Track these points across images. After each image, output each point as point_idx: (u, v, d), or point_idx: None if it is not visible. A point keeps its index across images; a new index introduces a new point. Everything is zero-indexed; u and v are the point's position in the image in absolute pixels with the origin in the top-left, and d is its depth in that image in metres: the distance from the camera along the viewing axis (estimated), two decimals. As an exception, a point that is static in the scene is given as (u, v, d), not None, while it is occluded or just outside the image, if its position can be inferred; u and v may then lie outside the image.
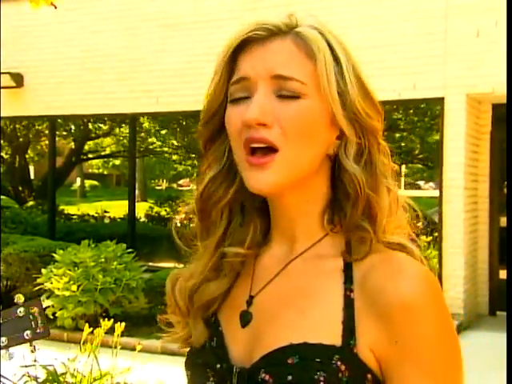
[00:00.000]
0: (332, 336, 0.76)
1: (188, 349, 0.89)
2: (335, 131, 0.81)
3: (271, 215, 0.86)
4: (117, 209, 9.89)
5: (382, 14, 6.89)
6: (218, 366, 0.82)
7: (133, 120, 8.53)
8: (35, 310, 0.96)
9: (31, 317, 0.96)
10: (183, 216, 0.90)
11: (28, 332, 0.96)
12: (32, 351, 0.97)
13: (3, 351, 0.96)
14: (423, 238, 7.70)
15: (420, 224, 0.87)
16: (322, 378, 0.73)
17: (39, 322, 0.96)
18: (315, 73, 0.79)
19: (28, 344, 1.01)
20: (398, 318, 0.74)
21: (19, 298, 0.97)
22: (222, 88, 0.82)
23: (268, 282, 0.84)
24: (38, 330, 0.96)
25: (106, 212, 10.32)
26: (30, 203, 10.54)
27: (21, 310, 0.96)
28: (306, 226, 0.84)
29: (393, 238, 0.81)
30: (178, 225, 0.90)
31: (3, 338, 0.95)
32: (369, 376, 0.76)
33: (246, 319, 0.83)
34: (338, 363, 0.74)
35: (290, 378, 0.74)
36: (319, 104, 0.79)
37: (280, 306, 0.81)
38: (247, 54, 0.80)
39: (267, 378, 0.76)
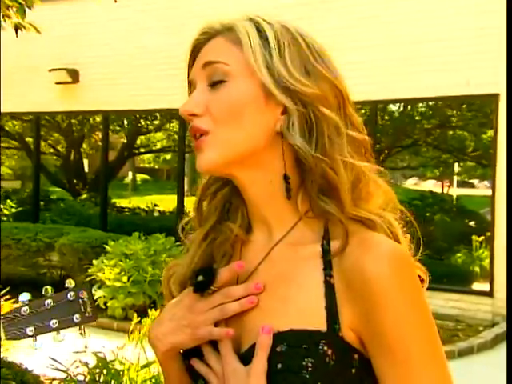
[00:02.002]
0: (317, 322, 0.77)
1: None
2: (277, 107, 0.82)
3: (245, 201, 0.89)
4: (166, 202, 10.07)
5: (434, 9, 6.75)
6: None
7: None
8: (84, 294, 1.01)
9: (80, 301, 1.01)
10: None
11: (77, 315, 1.01)
12: (81, 334, 1.02)
13: (54, 333, 1.02)
14: (475, 237, 7.52)
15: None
16: (309, 364, 0.75)
17: (88, 306, 1.01)
18: (242, 56, 0.83)
19: (77, 328, 1.05)
20: (367, 298, 0.76)
21: (70, 282, 1.02)
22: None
23: (252, 271, 0.86)
24: (87, 314, 1.01)
25: (155, 205, 10.51)
26: (84, 196, 10.85)
27: (71, 294, 1.01)
28: (276, 211, 0.85)
29: (361, 212, 0.81)
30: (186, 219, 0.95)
31: (54, 320, 1.00)
32: (355, 356, 0.77)
33: None
34: (325, 348, 0.76)
35: (279, 366, 0.76)
36: (249, 84, 0.82)
37: (264, 295, 0.83)
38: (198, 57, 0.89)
39: None
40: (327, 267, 0.80)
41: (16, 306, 1.01)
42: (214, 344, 0.84)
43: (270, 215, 0.86)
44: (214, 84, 0.84)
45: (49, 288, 1.01)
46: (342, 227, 0.80)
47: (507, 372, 1.74)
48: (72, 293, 1.01)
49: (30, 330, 0.99)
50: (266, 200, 0.85)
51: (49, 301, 1.00)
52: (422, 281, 0.83)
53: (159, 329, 0.86)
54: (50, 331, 1.00)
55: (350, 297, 0.77)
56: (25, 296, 1.00)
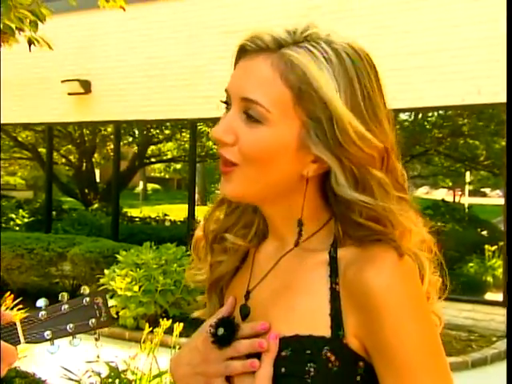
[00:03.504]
0: (321, 328, 0.78)
1: None
2: (309, 155, 0.81)
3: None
4: (177, 212, 10.09)
5: (445, 18, 6.75)
6: None
7: (193, 125, 8.71)
8: (99, 300, 1.04)
9: (95, 306, 1.03)
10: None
11: (93, 320, 1.03)
12: (96, 339, 1.05)
13: (70, 338, 1.04)
14: (488, 246, 7.47)
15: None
16: (312, 369, 0.77)
17: (103, 311, 1.04)
18: (287, 99, 0.78)
19: (92, 336, 1.07)
20: (369, 309, 0.76)
21: (85, 289, 1.05)
22: None
23: (262, 278, 0.88)
24: (102, 319, 1.04)
25: (166, 215, 10.55)
26: (96, 205, 10.90)
27: (86, 300, 1.03)
28: (292, 228, 0.86)
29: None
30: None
31: (71, 325, 1.02)
32: (361, 363, 0.78)
33: (244, 313, 0.88)
34: (328, 354, 0.77)
35: (283, 370, 0.78)
36: (284, 131, 0.80)
37: (271, 301, 0.85)
38: (241, 62, 0.84)
39: None
40: (333, 274, 0.81)
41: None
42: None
43: (285, 230, 0.88)
44: (248, 116, 0.81)
45: (65, 294, 1.04)
46: (352, 238, 0.81)
47: (507, 372, 1.72)
48: (87, 298, 1.03)
49: (47, 334, 1.02)
50: (282, 221, 0.88)
51: (65, 306, 1.03)
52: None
53: (179, 370, 0.89)
54: (67, 335, 1.03)
55: (353, 305, 0.78)
56: (42, 302, 1.03)
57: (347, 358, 0.77)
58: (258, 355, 0.81)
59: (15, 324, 1.00)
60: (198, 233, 0.97)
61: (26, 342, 1.01)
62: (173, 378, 0.91)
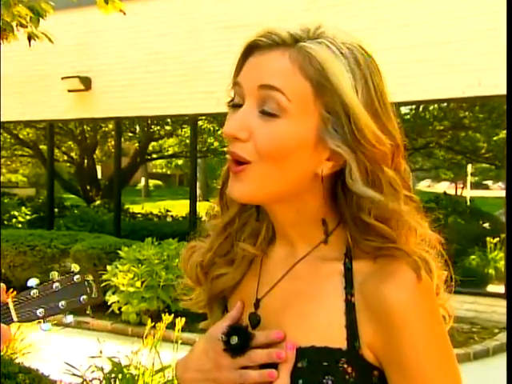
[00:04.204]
0: (337, 339, 0.78)
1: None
2: (325, 152, 0.79)
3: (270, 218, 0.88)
4: (179, 208, 10.11)
5: (445, 11, 6.74)
6: None
7: (194, 121, 8.71)
8: (90, 277, 1.05)
9: (86, 283, 1.05)
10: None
11: (84, 297, 1.05)
12: (88, 313, 1.06)
13: (62, 315, 1.06)
14: (489, 239, 7.46)
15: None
16: (330, 382, 0.76)
17: (94, 288, 1.05)
18: (306, 92, 0.77)
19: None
20: (387, 324, 0.76)
21: (75, 267, 1.06)
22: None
23: (273, 286, 0.86)
24: (93, 295, 1.06)
25: (168, 211, 10.57)
26: (97, 202, 10.93)
27: (77, 277, 1.05)
28: (301, 232, 0.85)
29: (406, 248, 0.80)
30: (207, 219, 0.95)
31: (63, 302, 1.04)
32: (375, 373, 0.79)
33: (254, 321, 0.86)
34: (345, 366, 0.77)
35: (300, 381, 0.78)
36: (304, 128, 0.78)
37: (285, 310, 0.83)
38: (252, 58, 0.80)
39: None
40: (348, 286, 0.80)
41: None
42: None
43: (295, 234, 0.86)
44: (264, 111, 0.78)
45: (55, 273, 1.06)
46: (363, 246, 0.81)
47: (507, 372, 1.73)
48: (78, 276, 1.05)
49: (39, 312, 1.03)
50: (293, 226, 0.85)
51: (56, 284, 1.04)
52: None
53: (187, 374, 0.86)
54: (59, 313, 1.04)
55: (369, 318, 0.78)
56: (33, 281, 1.05)
57: (363, 368, 0.78)
58: (271, 364, 0.80)
59: (7, 303, 1.01)
60: (197, 258, 0.91)
61: (19, 321, 1.02)
62: (179, 381, 0.88)
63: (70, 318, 1.04)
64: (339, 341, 0.78)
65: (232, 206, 0.89)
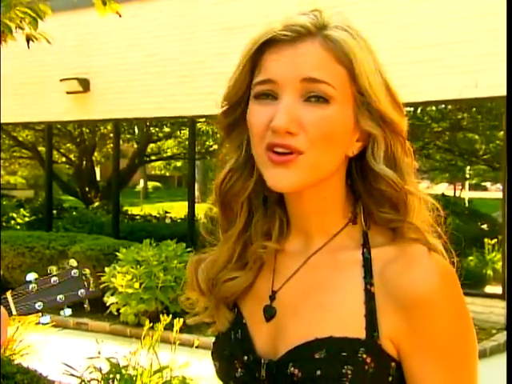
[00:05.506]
0: (356, 329, 0.78)
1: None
2: (356, 134, 0.83)
3: (288, 210, 0.88)
4: (178, 209, 10.10)
5: (443, 12, 6.75)
6: (245, 358, 0.84)
7: (192, 122, 8.72)
8: (87, 271, 1.06)
9: (84, 277, 1.06)
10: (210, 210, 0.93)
11: (82, 291, 1.06)
12: (85, 308, 1.07)
13: (60, 309, 1.06)
14: (487, 240, 7.47)
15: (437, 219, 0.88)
16: (349, 372, 0.76)
17: (91, 282, 1.06)
18: (344, 78, 0.80)
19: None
20: (414, 310, 0.77)
21: (72, 262, 1.07)
22: (244, 80, 0.84)
23: (289, 277, 0.86)
24: (91, 289, 1.07)
25: (167, 212, 10.56)
26: (96, 204, 10.91)
27: (75, 272, 1.06)
28: (321, 222, 0.86)
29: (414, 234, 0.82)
30: (205, 221, 0.94)
31: (61, 296, 1.04)
32: (393, 364, 0.79)
33: (270, 314, 0.85)
34: (364, 356, 0.77)
35: (318, 372, 0.77)
36: (345, 109, 0.81)
37: (302, 301, 0.83)
38: (275, 54, 0.80)
39: (296, 371, 0.78)
40: (367, 275, 0.80)
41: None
42: None
43: (314, 227, 0.86)
44: (310, 99, 0.79)
45: (54, 267, 1.06)
46: (384, 236, 0.82)
47: (507, 372, 1.73)
48: (75, 270, 1.06)
49: (38, 305, 1.04)
50: (316, 214, 0.86)
51: (54, 278, 1.05)
52: None
53: None
54: (58, 306, 1.05)
55: (391, 306, 0.78)
56: (31, 275, 1.06)
57: (382, 359, 0.77)
58: (285, 362, 0.79)
59: (7, 297, 1.02)
60: (201, 275, 0.91)
61: (18, 314, 1.03)
62: None
63: (67, 312, 1.05)
64: (358, 331, 0.78)
65: (242, 215, 0.89)
